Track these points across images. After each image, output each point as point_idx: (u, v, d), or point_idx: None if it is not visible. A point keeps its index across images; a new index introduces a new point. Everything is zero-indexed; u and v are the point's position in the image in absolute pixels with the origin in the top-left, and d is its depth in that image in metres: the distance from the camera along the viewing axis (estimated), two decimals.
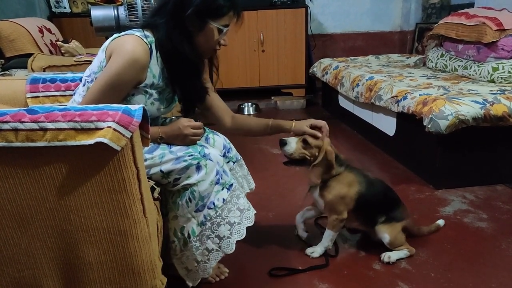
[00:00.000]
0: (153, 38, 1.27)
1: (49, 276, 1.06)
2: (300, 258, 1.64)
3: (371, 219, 1.63)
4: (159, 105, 1.36)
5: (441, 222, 1.81)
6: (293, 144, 1.55)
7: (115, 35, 1.25)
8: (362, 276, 1.53)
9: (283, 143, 1.56)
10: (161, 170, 1.25)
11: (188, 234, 1.30)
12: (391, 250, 1.62)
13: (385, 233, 1.61)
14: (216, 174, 1.30)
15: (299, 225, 1.77)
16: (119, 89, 1.22)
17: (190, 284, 1.40)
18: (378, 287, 1.47)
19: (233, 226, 1.33)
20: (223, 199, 1.31)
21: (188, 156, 1.27)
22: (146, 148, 1.24)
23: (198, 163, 1.27)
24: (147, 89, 1.29)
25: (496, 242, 1.72)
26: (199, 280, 1.41)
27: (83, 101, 1.23)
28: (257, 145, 3.03)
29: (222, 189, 1.32)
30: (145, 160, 1.24)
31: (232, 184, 1.35)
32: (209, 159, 1.29)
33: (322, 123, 1.59)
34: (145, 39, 1.23)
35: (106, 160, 0.97)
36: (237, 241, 1.33)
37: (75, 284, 1.08)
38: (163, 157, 1.26)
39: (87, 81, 1.29)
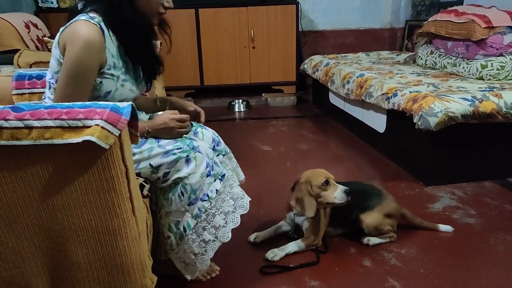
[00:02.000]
0: (100, 17, 1.22)
1: (37, 275, 1.05)
2: (291, 256, 1.63)
3: (348, 219, 1.72)
4: (130, 86, 1.32)
5: (444, 227, 1.79)
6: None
7: (62, 28, 1.21)
8: (353, 272, 1.54)
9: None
10: (150, 164, 1.24)
11: (184, 228, 1.30)
12: None
13: (364, 225, 1.69)
14: (207, 166, 1.29)
15: (266, 234, 1.75)
16: (85, 78, 1.18)
17: (189, 277, 1.41)
18: (368, 284, 1.48)
19: (227, 215, 1.34)
20: (217, 190, 1.32)
21: (177, 149, 1.26)
22: None
23: (187, 156, 1.26)
24: (112, 72, 1.25)
25: (484, 238, 1.74)
26: (198, 273, 1.42)
27: (54, 100, 1.20)
28: (248, 142, 3.02)
29: (215, 180, 1.32)
30: (134, 154, 1.23)
31: (224, 175, 1.35)
32: (198, 152, 1.29)
33: (200, 110, 1.56)
34: (92, 21, 1.19)
35: (94, 158, 0.95)
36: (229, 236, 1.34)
37: (64, 283, 1.06)
38: (152, 151, 1.25)
39: (52, 83, 1.25)
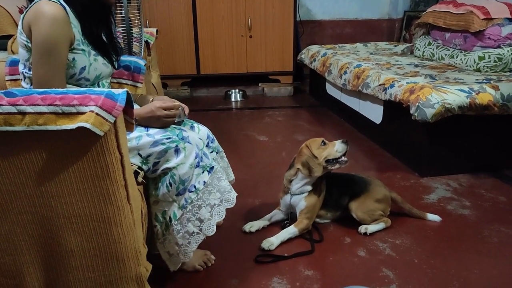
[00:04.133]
0: None
1: (30, 262, 1.04)
2: (286, 245, 1.64)
3: (338, 204, 1.76)
4: (102, 60, 1.31)
5: (432, 217, 1.81)
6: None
7: (22, 14, 1.18)
8: (347, 262, 1.55)
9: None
10: (139, 154, 1.24)
11: (170, 217, 1.30)
12: None
13: (353, 212, 1.73)
14: (196, 157, 1.29)
15: (260, 224, 1.76)
16: (58, 54, 1.15)
17: (172, 269, 1.41)
18: (362, 273, 1.49)
19: (213, 208, 1.34)
20: (204, 182, 1.32)
21: (166, 139, 1.26)
22: None
23: (177, 146, 1.26)
24: (83, 48, 1.24)
25: (478, 229, 1.75)
26: (180, 265, 1.41)
27: (34, 86, 1.18)
28: (244, 131, 3.01)
29: (203, 172, 1.32)
30: None
31: (213, 167, 1.35)
32: (188, 142, 1.28)
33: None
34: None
35: (88, 145, 0.94)
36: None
37: (57, 271, 1.06)
38: (140, 140, 1.24)
39: (25, 72, 1.23)
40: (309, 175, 1.65)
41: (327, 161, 1.66)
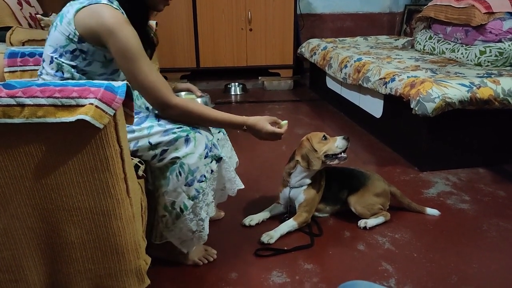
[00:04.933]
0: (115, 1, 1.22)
1: (29, 256, 1.04)
2: (286, 239, 1.64)
3: (337, 198, 1.77)
4: None
5: (431, 211, 1.81)
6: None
7: (76, 5, 1.17)
8: (347, 256, 1.55)
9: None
10: (149, 142, 1.24)
11: (180, 208, 1.30)
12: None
13: (352, 206, 1.74)
14: (205, 148, 1.29)
15: (260, 217, 1.76)
16: (145, 53, 1.20)
17: (185, 250, 1.44)
18: (362, 267, 1.49)
19: (216, 192, 1.39)
20: (212, 171, 1.33)
21: (177, 128, 1.26)
22: (134, 120, 1.21)
23: (187, 135, 1.25)
24: None
25: (477, 223, 1.75)
26: (195, 247, 1.45)
27: (141, 92, 1.22)
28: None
29: (211, 162, 1.32)
30: (133, 131, 1.22)
31: (221, 158, 1.35)
32: (198, 132, 1.28)
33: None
34: (113, 5, 1.18)
35: (88, 138, 0.94)
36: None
37: (58, 263, 1.06)
38: (152, 129, 1.24)
39: (55, 58, 1.22)
40: (308, 168, 1.65)
41: (327, 156, 1.66)
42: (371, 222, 1.71)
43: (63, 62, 1.21)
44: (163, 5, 1.33)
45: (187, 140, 1.25)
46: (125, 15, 1.20)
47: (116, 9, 1.18)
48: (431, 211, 1.81)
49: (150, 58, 1.40)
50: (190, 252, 1.47)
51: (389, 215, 1.75)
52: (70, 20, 1.17)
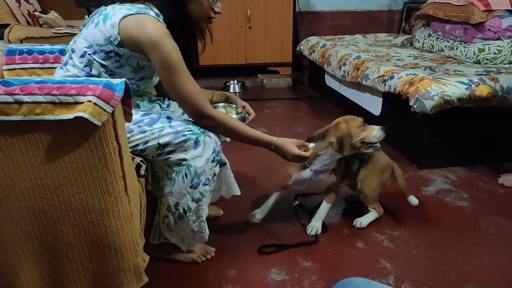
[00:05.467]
0: (160, 13, 1.26)
1: (24, 260, 1.03)
2: (289, 234, 1.64)
3: (350, 169, 1.75)
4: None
5: (411, 199, 1.75)
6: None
7: (124, 11, 1.19)
8: (345, 254, 1.55)
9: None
10: (158, 143, 1.24)
11: (184, 209, 1.31)
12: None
13: (359, 182, 1.73)
14: (213, 152, 1.30)
15: (264, 211, 1.75)
16: (185, 65, 1.23)
17: (185, 249, 1.45)
18: (360, 265, 1.49)
19: (212, 193, 1.40)
20: (215, 174, 1.35)
21: (188, 131, 1.26)
22: (146, 121, 1.24)
23: (197, 138, 1.26)
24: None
25: (476, 221, 1.75)
26: (194, 246, 1.47)
27: (181, 104, 1.27)
28: None
29: (216, 166, 1.34)
30: (144, 132, 1.23)
31: (226, 163, 1.40)
32: (208, 136, 1.29)
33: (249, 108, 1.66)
34: (159, 19, 1.23)
35: (86, 136, 0.93)
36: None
37: (54, 264, 1.05)
38: (162, 131, 1.24)
39: (88, 53, 1.21)
40: (339, 151, 1.58)
41: (362, 143, 1.59)
42: (365, 221, 1.71)
43: (94, 59, 1.21)
44: (206, 23, 1.38)
45: (196, 143, 1.26)
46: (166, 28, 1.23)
47: (161, 22, 1.21)
48: (412, 199, 1.74)
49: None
50: (190, 250, 1.48)
51: (382, 211, 1.75)
52: (115, 24, 1.18)
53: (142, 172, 1.18)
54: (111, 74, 1.24)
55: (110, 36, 1.19)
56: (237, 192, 1.55)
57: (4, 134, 0.92)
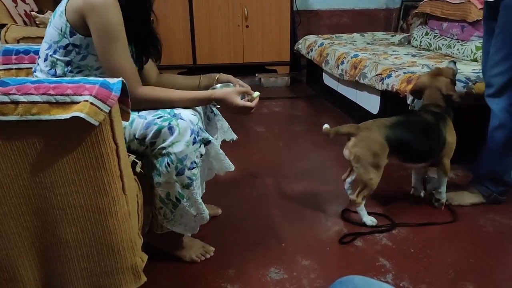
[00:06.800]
0: None
1: (24, 255, 1.03)
2: (286, 234, 1.64)
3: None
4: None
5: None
6: None
7: None
8: (344, 252, 1.55)
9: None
10: (135, 137, 1.21)
11: (176, 198, 1.27)
12: None
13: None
14: (191, 134, 1.23)
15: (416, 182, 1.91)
16: (123, 40, 1.18)
17: (189, 234, 1.43)
18: (359, 263, 1.49)
19: (204, 170, 1.39)
20: (201, 155, 1.29)
21: (158, 118, 1.21)
22: None
23: (169, 123, 1.21)
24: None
25: (474, 219, 1.76)
26: (198, 228, 1.42)
27: (108, 73, 1.19)
28: (241, 122, 3.00)
29: (200, 146, 1.28)
30: None
31: (210, 141, 1.32)
32: (181, 119, 1.23)
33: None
34: None
35: (83, 135, 0.93)
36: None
37: (53, 263, 1.05)
38: (133, 123, 1.21)
39: (49, 55, 1.20)
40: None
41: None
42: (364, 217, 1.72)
43: (57, 59, 1.20)
44: None
45: (170, 129, 1.20)
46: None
47: None
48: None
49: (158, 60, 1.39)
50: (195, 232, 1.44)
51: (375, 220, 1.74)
52: (62, 12, 1.17)
53: (138, 169, 1.18)
54: (80, 70, 1.22)
55: (61, 27, 1.17)
56: (231, 167, 1.49)
57: (1, 134, 0.92)
